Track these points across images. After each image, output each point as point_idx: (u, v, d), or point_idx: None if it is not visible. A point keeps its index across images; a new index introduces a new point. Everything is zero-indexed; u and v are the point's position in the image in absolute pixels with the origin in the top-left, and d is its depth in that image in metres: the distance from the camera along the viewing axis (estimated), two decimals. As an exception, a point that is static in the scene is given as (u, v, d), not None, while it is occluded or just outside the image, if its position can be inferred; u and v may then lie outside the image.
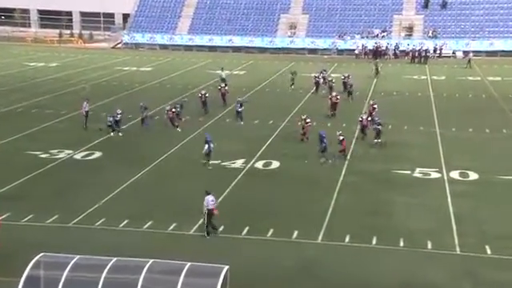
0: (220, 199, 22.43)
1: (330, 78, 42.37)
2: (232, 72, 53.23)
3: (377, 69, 49.75)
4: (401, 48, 62.41)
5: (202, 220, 19.49)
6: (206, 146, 25.94)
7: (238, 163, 26.76)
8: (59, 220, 20.29)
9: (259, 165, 26.73)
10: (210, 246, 18.45)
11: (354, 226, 20.21)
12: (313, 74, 43.86)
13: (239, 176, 25.19)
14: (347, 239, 19.12)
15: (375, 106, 33.21)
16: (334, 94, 35.23)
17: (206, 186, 23.75)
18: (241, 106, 33.58)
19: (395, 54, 61.72)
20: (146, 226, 19.94)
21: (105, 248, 17.57)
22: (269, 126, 33.35)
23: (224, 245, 18.68)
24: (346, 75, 42.24)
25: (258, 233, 19.47)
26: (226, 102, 37.46)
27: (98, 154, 27.77)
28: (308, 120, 29.91)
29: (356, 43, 64.05)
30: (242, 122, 32.97)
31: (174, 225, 20.01)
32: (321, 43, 65.86)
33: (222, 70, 45.90)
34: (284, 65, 57.29)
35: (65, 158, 27.09)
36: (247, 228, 19.81)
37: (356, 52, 62.36)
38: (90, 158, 27.29)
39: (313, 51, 65.47)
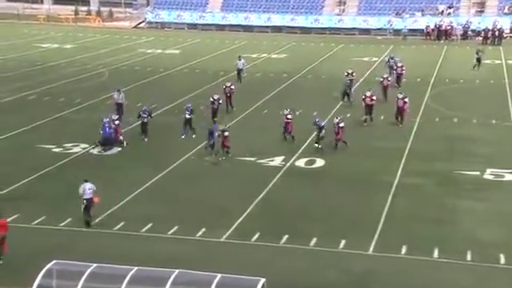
0: (255, 202, 22.54)
1: (384, 76, 37.08)
2: (270, 55, 53.25)
3: (478, 59, 45.13)
4: (471, 27, 61.25)
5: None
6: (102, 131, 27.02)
7: (277, 161, 26.78)
8: (73, 223, 20.69)
9: (301, 163, 26.69)
10: (243, 255, 18.57)
11: (412, 235, 20.01)
12: (348, 71, 37.81)
13: (278, 175, 25.21)
14: (404, 250, 18.97)
15: (406, 100, 31.55)
16: (368, 93, 32.19)
17: (239, 186, 23.97)
18: (191, 112, 29.80)
19: (464, 35, 60.61)
20: (171, 231, 20.18)
21: (125, 256, 17.85)
22: (313, 118, 33.22)
23: (260, 254, 18.75)
24: (400, 65, 40.30)
25: (298, 241, 19.47)
26: (233, 106, 34.15)
27: (116, 149, 28.17)
28: (289, 116, 28.99)
29: (416, 21, 63.15)
30: (194, 136, 29.27)
31: (202, 230, 20.20)
32: (374, 22, 65.16)
33: (240, 58, 42.18)
34: (331, 47, 56.98)
35: (80, 153, 27.58)
36: (286, 236, 19.85)
37: (404, 31, 61.61)
38: (107, 153, 27.71)
39: (365, 32, 64.85)
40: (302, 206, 22.37)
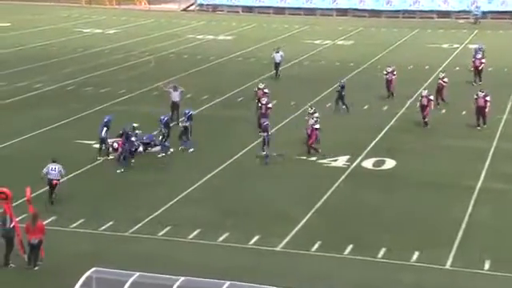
0: (316, 207, 22.47)
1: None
2: (335, 42, 52.98)
3: None
4: None
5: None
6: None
7: (341, 161, 26.65)
8: (114, 227, 21.02)
9: (368, 163, 26.51)
10: (302, 267, 18.54)
11: (497, 248, 19.64)
12: (387, 69, 36.17)
13: (342, 177, 25.10)
14: (487, 266, 18.63)
15: (488, 98, 29.97)
16: (424, 93, 31.02)
17: (297, 189, 23.92)
18: (188, 119, 27.93)
19: None
20: (221, 238, 20.29)
21: (171, 264, 18.04)
22: (382, 114, 32.92)
23: (321, 265, 18.68)
24: (479, 57, 38.39)
25: (365, 252, 19.33)
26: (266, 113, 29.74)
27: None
28: (316, 114, 27.64)
29: (504, 2, 61.77)
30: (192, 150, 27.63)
31: (256, 238, 20.24)
32: (455, 4, 64.16)
33: (278, 50, 40.49)
34: (404, 33, 56.27)
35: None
36: (351, 245, 19.72)
37: (476, 13, 60.36)
38: (152, 150, 27.99)
39: (444, 14, 63.87)
40: (369, 212, 22.19)
